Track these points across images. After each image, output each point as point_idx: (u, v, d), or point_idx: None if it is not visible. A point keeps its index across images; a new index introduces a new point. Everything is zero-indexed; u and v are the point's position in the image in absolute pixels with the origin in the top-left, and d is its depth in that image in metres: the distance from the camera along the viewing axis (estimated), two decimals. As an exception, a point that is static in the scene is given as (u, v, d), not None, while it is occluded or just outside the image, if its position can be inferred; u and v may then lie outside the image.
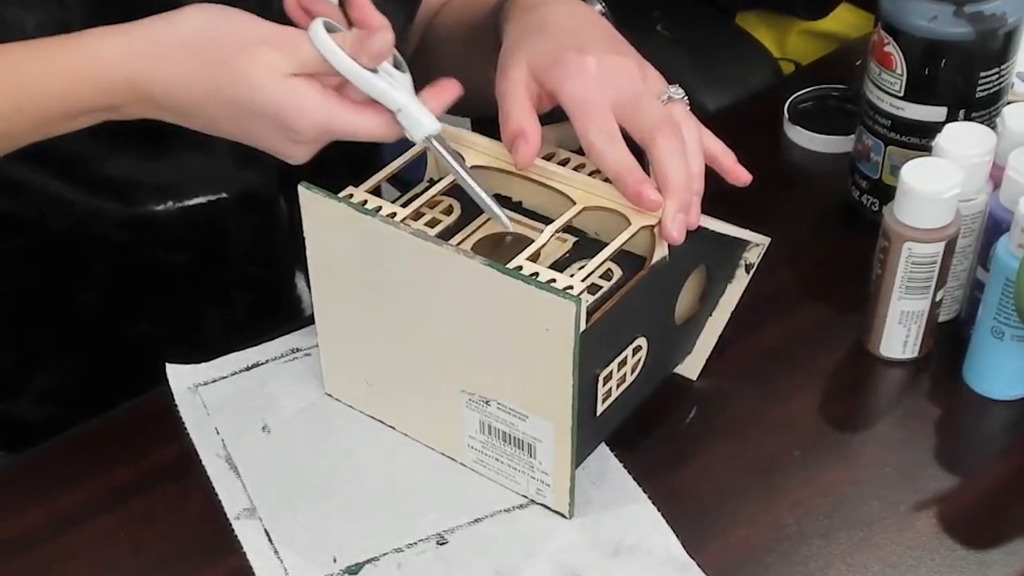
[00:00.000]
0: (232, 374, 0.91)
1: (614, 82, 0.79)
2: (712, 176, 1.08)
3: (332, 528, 0.81)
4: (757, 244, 0.85)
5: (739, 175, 0.82)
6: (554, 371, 0.75)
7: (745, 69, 1.42)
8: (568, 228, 0.80)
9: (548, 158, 0.83)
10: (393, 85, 0.76)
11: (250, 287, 1.00)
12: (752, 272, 0.87)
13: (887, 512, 0.82)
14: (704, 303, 0.87)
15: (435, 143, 0.77)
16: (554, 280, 0.73)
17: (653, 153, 0.78)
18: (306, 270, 1.00)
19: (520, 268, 0.74)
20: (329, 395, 0.89)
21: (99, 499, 0.83)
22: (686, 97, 0.82)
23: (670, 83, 0.83)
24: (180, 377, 0.90)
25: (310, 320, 0.93)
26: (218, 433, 0.86)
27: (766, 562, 0.79)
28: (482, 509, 0.82)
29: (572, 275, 0.74)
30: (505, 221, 0.79)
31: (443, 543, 0.80)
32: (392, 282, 0.79)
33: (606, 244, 0.78)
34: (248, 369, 0.91)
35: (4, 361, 0.99)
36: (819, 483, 0.84)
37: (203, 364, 0.91)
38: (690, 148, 0.79)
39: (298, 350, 0.92)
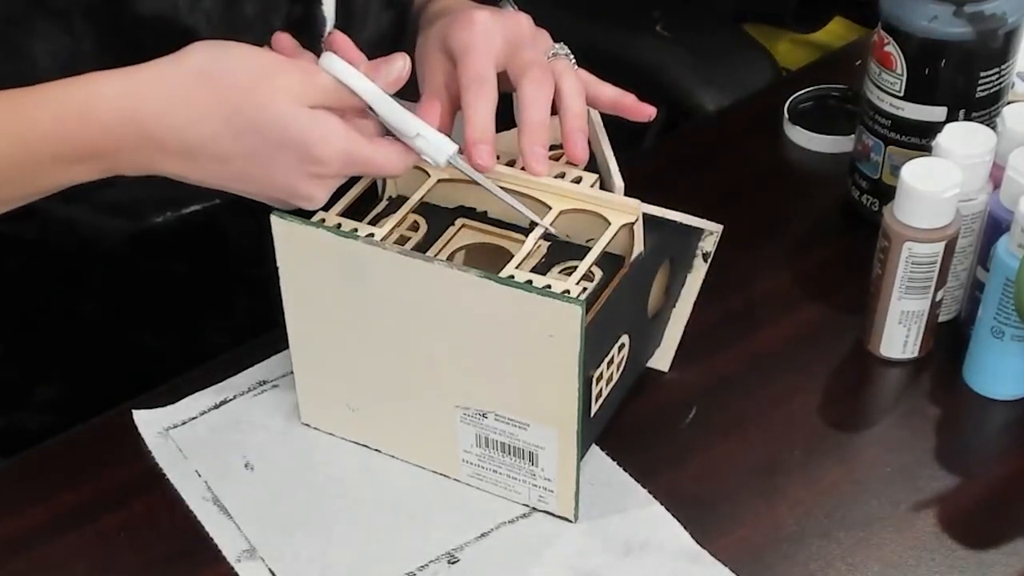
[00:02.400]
0: (201, 413, 0.88)
1: (500, 31, 0.82)
2: (713, 177, 1.08)
3: (338, 560, 0.79)
4: (712, 232, 0.86)
5: (642, 111, 0.85)
6: (558, 377, 0.74)
7: (745, 69, 1.42)
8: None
9: (511, 164, 0.83)
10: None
11: (250, 290, 0.99)
12: (709, 261, 0.87)
13: (887, 512, 0.82)
14: (668, 295, 0.88)
15: (457, 162, 0.78)
16: (549, 286, 0.73)
17: (518, 94, 0.81)
18: None
19: (512, 277, 0.74)
20: (306, 424, 0.87)
21: (99, 499, 0.83)
22: (572, 56, 0.85)
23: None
24: (149, 423, 0.87)
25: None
26: (200, 476, 0.84)
27: (766, 562, 0.79)
28: (486, 523, 0.81)
29: (558, 279, 0.74)
30: (545, 224, 0.79)
31: (455, 561, 0.79)
32: (377, 303, 0.78)
33: (578, 246, 0.80)
34: (217, 407, 0.88)
35: (7, 374, 0.98)
36: (819, 483, 0.84)
37: (170, 406, 0.88)
38: (567, 92, 0.82)
39: (265, 382, 0.90)
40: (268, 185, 0.75)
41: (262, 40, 0.80)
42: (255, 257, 0.97)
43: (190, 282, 0.97)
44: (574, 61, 0.86)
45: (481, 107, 0.80)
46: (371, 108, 0.75)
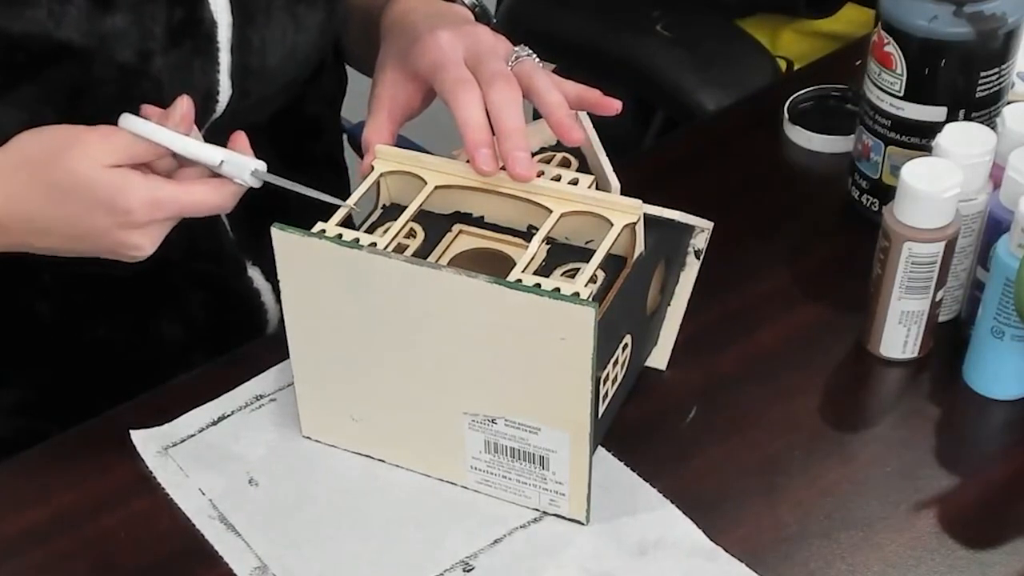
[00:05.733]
0: (200, 431, 0.87)
1: (463, 43, 0.85)
2: (710, 178, 1.08)
3: (352, 573, 0.79)
4: (703, 229, 0.86)
5: (608, 105, 0.86)
6: (570, 379, 0.74)
7: (745, 69, 1.42)
8: (533, 235, 0.79)
9: (506, 168, 0.82)
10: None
11: (202, 285, 0.99)
12: (701, 258, 0.87)
13: (887, 512, 0.82)
14: (663, 294, 0.88)
15: (266, 176, 0.80)
16: (559, 289, 0.73)
17: (487, 104, 0.82)
18: (258, 262, 0.99)
19: (519, 281, 0.74)
20: (307, 437, 0.87)
21: (99, 499, 0.83)
22: (534, 55, 0.86)
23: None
24: (147, 442, 0.86)
25: (276, 330, 0.91)
26: (204, 494, 0.83)
27: (766, 562, 0.79)
28: (499, 529, 0.81)
29: (564, 281, 0.74)
30: (329, 199, 0.81)
31: (470, 569, 0.79)
32: (383, 312, 0.78)
33: (577, 248, 0.80)
34: (215, 423, 0.87)
35: None
36: (819, 483, 0.84)
37: (167, 425, 0.87)
38: (541, 87, 0.83)
39: (262, 396, 0.89)
40: (96, 243, 0.80)
41: (142, 50, 0.82)
42: (197, 251, 0.96)
43: (136, 281, 0.96)
44: (538, 60, 0.86)
45: (472, 107, 0.81)
46: (172, 151, 0.80)
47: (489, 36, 0.86)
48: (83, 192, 0.78)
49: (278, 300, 1.01)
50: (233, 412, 0.88)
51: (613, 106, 0.85)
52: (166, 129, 0.79)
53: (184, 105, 0.81)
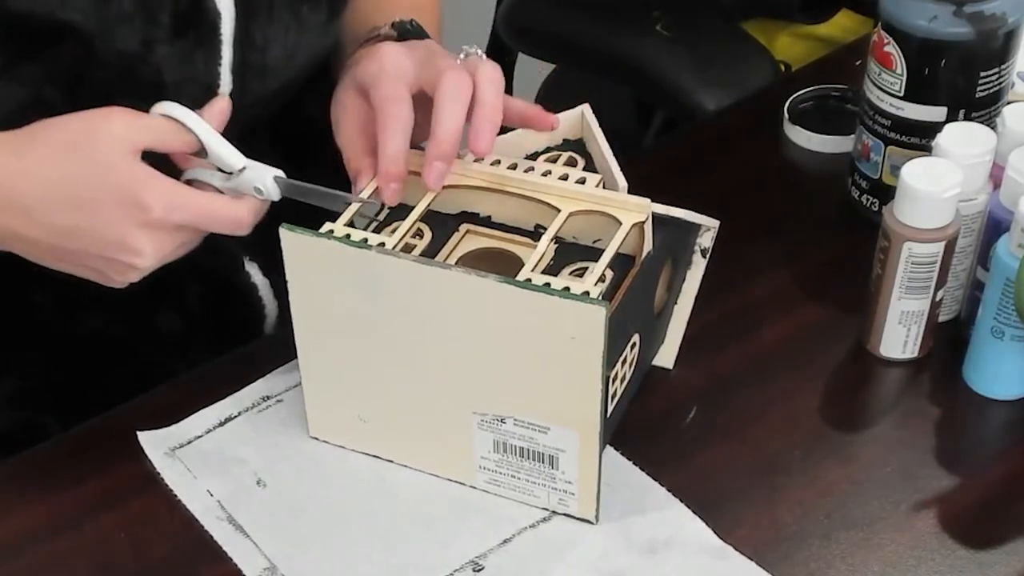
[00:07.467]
0: (207, 432, 0.87)
1: (407, 55, 0.84)
2: (713, 177, 1.08)
3: (362, 573, 0.79)
4: (709, 228, 0.86)
5: (546, 120, 0.86)
6: (580, 378, 0.74)
7: (745, 69, 1.42)
8: (541, 235, 0.79)
9: (513, 168, 0.82)
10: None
11: (200, 279, 0.99)
12: (707, 257, 0.87)
13: (887, 512, 0.82)
14: (670, 292, 0.88)
15: (286, 179, 0.80)
16: (568, 288, 0.73)
17: (434, 102, 0.81)
18: (256, 258, 0.99)
19: (529, 281, 0.74)
20: (315, 438, 0.86)
21: (99, 499, 0.83)
22: (480, 51, 0.86)
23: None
24: (154, 443, 0.86)
25: (276, 324, 0.91)
26: (212, 495, 0.83)
27: (766, 562, 0.79)
28: (508, 529, 0.81)
29: (572, 280, 0.74)
30: (354, 198, 0.81)
31: (480, 569, 0.79)
32: (392, 312, 0.78)
33: (585, 247, 0.80)
34: (222, 424, 0.87)
35: None
36: (819, 483, 0.84)
37: (174, 426, 0.87)
38: (481, 83, 0.82)
39: (269, 397, 0.89)
40: (99, 237, 0.77)
41: (145, 38, 0.82)
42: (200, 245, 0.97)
43: None
44: (482, 54, 0.86)
45: (394, 135, 0.80)
46: (202, 144, 0.79)
47: (439, 47, 0.86)
48: (102, 176, 0.76)
49: (276, 296, 1.01)
50: (240, 413, 0.89)
51: (548, 122, 0.86)
52: (200, 119, 0.79)
53: (222, 103, 0.81)
